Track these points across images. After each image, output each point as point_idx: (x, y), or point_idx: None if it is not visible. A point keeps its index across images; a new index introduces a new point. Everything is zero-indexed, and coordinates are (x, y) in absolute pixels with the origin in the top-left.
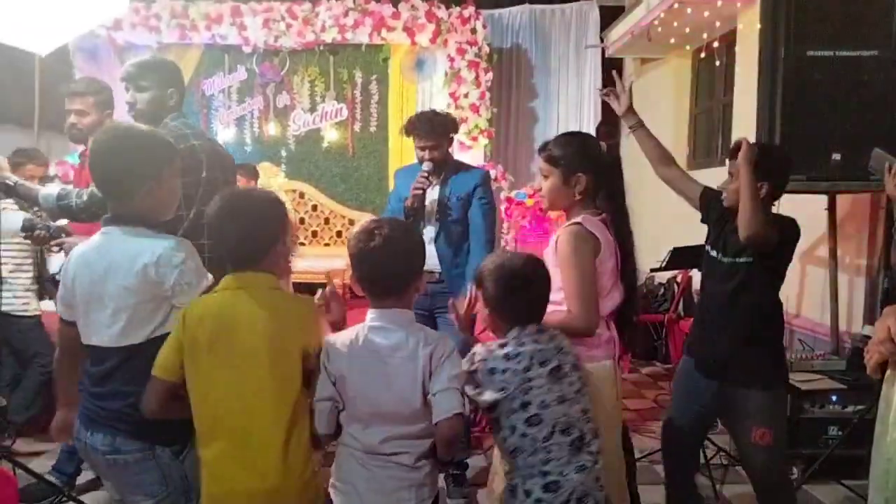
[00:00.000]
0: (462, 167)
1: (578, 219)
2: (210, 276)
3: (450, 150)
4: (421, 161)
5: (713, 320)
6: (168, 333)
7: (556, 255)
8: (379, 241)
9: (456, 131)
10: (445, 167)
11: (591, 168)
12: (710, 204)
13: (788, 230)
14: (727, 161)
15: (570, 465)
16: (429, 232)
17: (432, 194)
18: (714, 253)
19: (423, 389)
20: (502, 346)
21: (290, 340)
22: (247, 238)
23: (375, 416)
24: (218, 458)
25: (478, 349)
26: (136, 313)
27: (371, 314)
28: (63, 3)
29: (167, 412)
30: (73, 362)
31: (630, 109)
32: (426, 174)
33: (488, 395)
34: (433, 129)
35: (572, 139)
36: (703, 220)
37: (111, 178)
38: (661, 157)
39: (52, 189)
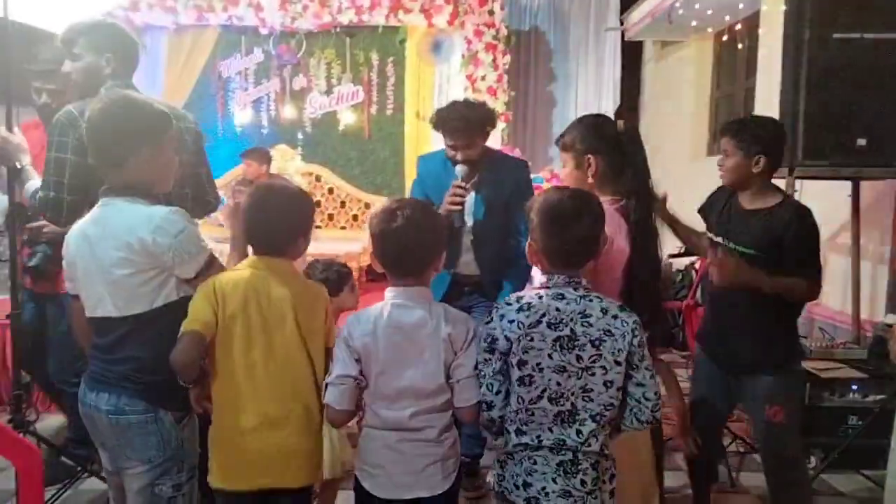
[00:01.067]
0: (497, 159)
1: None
2: (209, 247)
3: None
4: (452, 160)
5: (723, 312)
6: (174, 301)
7: None
8: (401, 220)
9: (494, 125)
10: (479, 168)
11: (603, 149)
12: (708, 206)
13: (799, 221)
14: (721, 138)
15: (550, 434)
16: (466, 238)
17: (468, 198)
18: (718, 238)
19: (445, 366)
20: (519, 298)
21: (315, 319)
22: (276, 229)
23: (402, 391)
24: (244, 420)
25: (498, 301)
26: (136, 282)
27: (391, 292)
28: None
29: (193, 369)
30: (89, 336)
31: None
32: (462, 183)
33: (500, 343)
34: (468, 125)
35: (581, 121)
36: (699, 211)
37: (103, 144)
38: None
39: (35, 183)
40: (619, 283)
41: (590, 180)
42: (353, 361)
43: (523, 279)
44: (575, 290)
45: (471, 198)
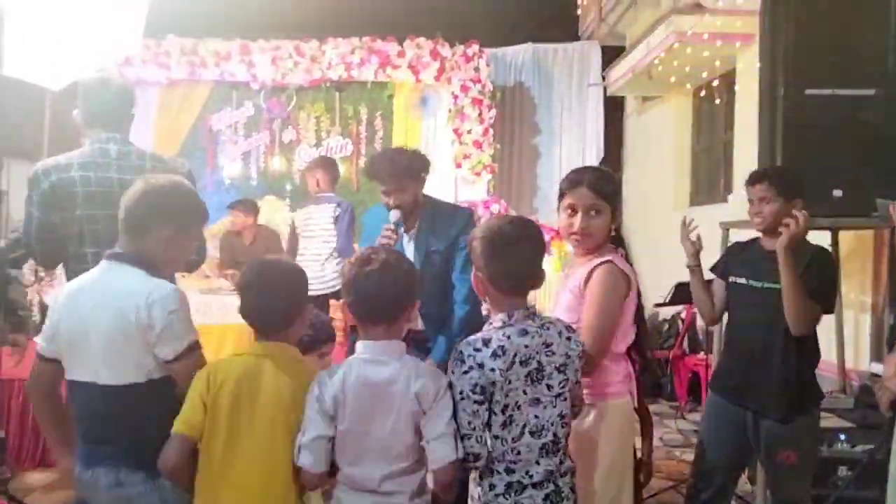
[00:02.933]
0: (439, 209)
1: (609, 257)
2: (197, 335)
3: (420, 192)
4: (386, 207)
5: (751, 351)
6: (164, 377)
7: (584, 288)
8: (375, 265)
9: (426, 171)
10: (418, 213)
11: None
12: (722, 266)
13: (820, 263)
14: (746, 189)
15: (538, 466)
16: None
17: (407, 248)
18: (742, 280)
19: (413, 424)
20: (486, 341)
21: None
22: (278, 307)
23: (366, 451)
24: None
25: (461, 346)
26: (127, 352)
27: (361, 347)
28: (76, 39)
29: (185, 469)
30: (55, 405)
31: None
32: (391, 228)
33: (487, 391)
34: (395, 170)
35: (612, 175)
36: (722, 275)
37: (136, 212)
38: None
39: None
40: (624, 330)
41: (612, 233)
42: (328, 420)
43: (456, 334)
44: (533, 321)
45: (409, 248)
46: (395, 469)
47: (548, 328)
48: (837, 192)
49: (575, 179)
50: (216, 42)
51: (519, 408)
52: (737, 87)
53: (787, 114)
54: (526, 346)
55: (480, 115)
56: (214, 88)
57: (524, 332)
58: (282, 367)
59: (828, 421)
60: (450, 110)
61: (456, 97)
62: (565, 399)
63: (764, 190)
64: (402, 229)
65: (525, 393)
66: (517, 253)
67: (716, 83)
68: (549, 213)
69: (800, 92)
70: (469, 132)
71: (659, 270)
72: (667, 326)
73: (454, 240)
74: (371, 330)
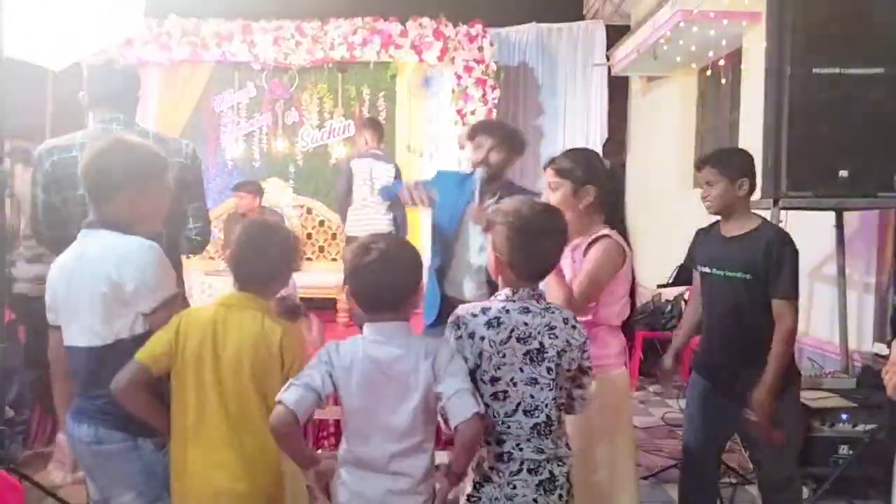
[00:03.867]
0: (516, 190)
1: (606, 231)
2: (176, 290)
3: (510, 167)
4: (475, 164)
5: (720, 338)
6: (141, 333)
7: (581, 259)
8: (375, 255)
9: (522, 153)
10: (500, 185)
11: (597, 182)
12: (692, 254)
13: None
14: (698, 172)
15: (528, 444)
16: (475, 259)
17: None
18: (706, 269)
19: (424, 401)
20: (485, 310)
21: (272, 361)
22: (263, 265)
23: (374, 429)
24: (192, 460)
25: (460, 310)
26: (108, 313)
27: (367, 329)
28: (77, 19)
29: (133, 399)
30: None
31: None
32: (479, 185)
33: (469, 358)
34: (503, 130)
35: (581, 153)
36: (686, 264)
37: (92, 179)
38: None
39: None
40: (620, 304)
41: (580, 207)
42: (328, 381)
43: None
44: (538, 302)
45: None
46: (403, 447)
47: (553, 312)
48: (843, 173)
49: (549, 161)
50: (218, 22)
51: (515, 384)
52: (743, 67)
53: (793, 93)
54: (525, 324)
55: (484, 95)
56: (216, 69)
57: (525, 310)
58: (248, 318)
59: (830, 401)
60: (453, 91)
61: (459, 77)
62: (559, 385)
63: (708, 173)
64: (478, 192)
65: (522, 371)
66: (543, 245)
67: (722, 62)
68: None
69: (807, 71)
70: (472, 112)
71: (662, 251)
72: (669, 307)
73: None
74: (376, 315)
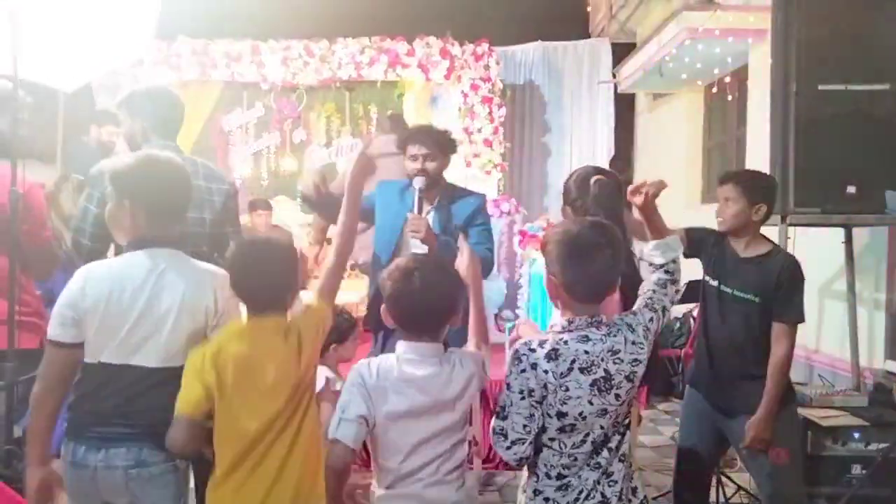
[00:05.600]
0: (456, 190)
1: None
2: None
3: (445, 169)
4: (412, 174)
5: (720, 355)
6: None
7: None
8: (418, 283)
9: (454, 152)
10: (439, 190)
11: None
12: (699, 236)
13: (787, 272)
14: (719, 187)
15: (586, 467)
16: None
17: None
18: (714, 282)
19: (459, 412)
20: (542, 342)
21: (310, 374)
22: (268, 285)
23: (417, 442)
24: (239, 485)
25: (517, 345)
26: (190, 335)
27: (402, 346)
28: (88, 41)
29: (193, 446)
30: (60, 399)
31: None
32: (417, 217)
33: (537, 393)
34: (435, 135)
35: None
36: (687, 255)
37: (170, 197)
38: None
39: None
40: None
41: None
42: (364, 403)
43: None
44: (598, 329)
45: (431, 219)
46: (439, 454)
47: (614, 335)
48: (851, 189)
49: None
50: (227, 43)
51: (584, 418)
52: (749, 84)
53: (799, 109)
54: (587, 353)
55: (490, 113)
56: (225, 89)
57: (585, 339)
58: (272, 344)
59: (842, 419)
60: (459, 109)
61: (466, 96)
62: (627, 404)
63: (729, 190)
64: (419, 199)
65: (591, 403)
66: (596, 261)
67: (728, 79)
68: (559, 211)
69: (813, 87)
70: (479, 131)
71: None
72: (678, 324)
73: (469, 217)
74: (414, 336)
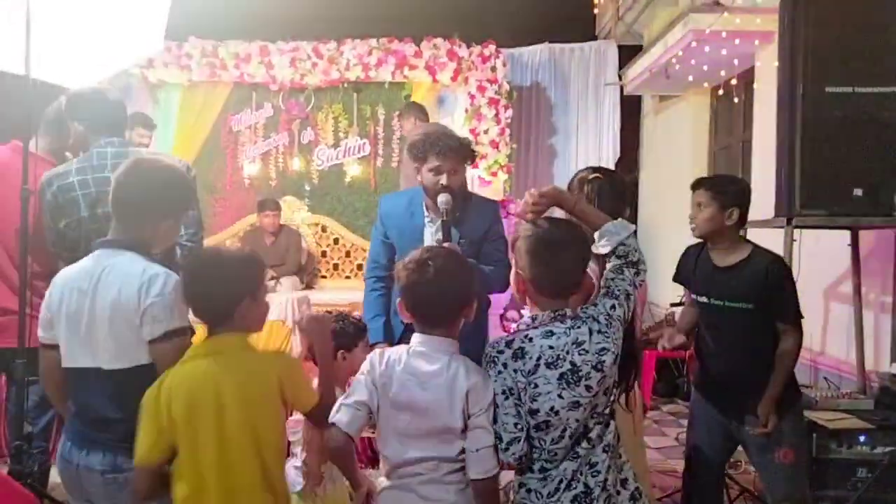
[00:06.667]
0: (471, 199)
1: None
2: (184, 324)
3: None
4: (433, 188)
5: (725, 363)
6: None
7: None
8: (432, 273)
9: (474, 160)
10: (457, 202)
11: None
12: (680, 265)
13: (776, 274)
14: (693, 193)
15: (566, 459)
16: None
17: (436, 234)
18: (704, 299)
19: (462, 416)
20: (509, 342)
21: (269, 403)
22: (214, 297)
23: (414, 436)
24: None
25: (488, 348)
26: (128, 334)
27: (416, 339)
28: (100, 41)
29: (159, 493)
30: (62, 399)
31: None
32: (444, 215)
33: (515, 391)
34: (461, 146)
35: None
36: (675, 279)
37: (124, 200)
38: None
39: None
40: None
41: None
42: (374, 392)
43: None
44: (562, 322)
45: (454, 235)
46: (440, 454)
47: (578, 326)
48: (857, 192)
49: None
50: (236, 44)
51: (557, 413)
52: (756, 86)
53: (806, 112)
54: (551, 348)
55: (497, 115)
56: (234, 90)
57: (549, 334)
58: (230, 363)
59: (847, 422)
60: (466, 110)
61: (472, 97)
62: (604, 394)
63: (700, 196)
64: (445, 215)
65: (561, 397)
66: (563, 258)
67: (734, 82)
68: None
69: (820, 90)
70: (486, 132)
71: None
72: None
73: (489, 227)
74: (428, 329)
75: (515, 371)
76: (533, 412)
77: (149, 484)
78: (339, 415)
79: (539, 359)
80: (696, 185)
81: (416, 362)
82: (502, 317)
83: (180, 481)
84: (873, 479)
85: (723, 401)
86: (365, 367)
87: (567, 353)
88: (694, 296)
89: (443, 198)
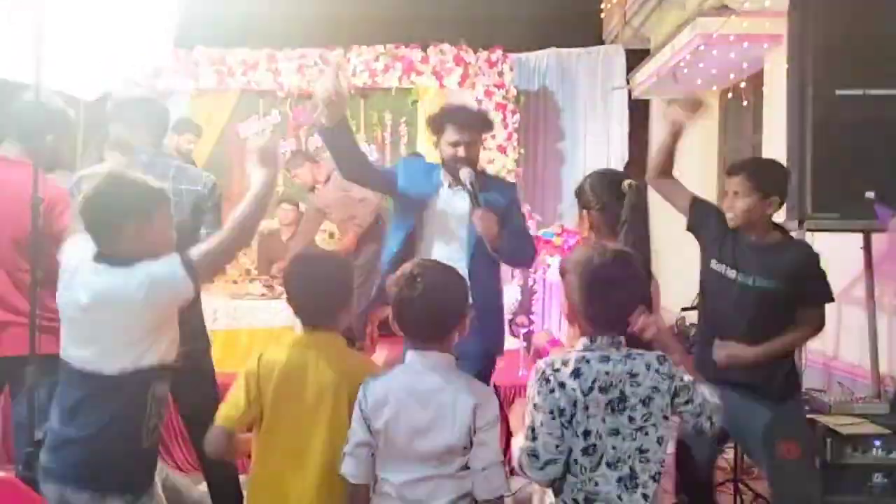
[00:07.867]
0: (490, 181)
1: None
2: (186, 289)
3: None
4: (451, 161)
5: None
6: (144, 369)
7: None
8: (420, 288)
9: (491, 129)
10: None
11: (600, 205)
12: (704, 213)
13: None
14: (728, 179)
15: (620, 501)
16: (453, 253)
17: (458, 207)
18: (722, 268)
19: (468, 434)
20: (565, 361)
21: (351, 406)
22: (318, 298)
23: (413, 457)
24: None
25: (542, 364)
26: (119, 338)
27: (410, 357)
28: (109, 50)
29: (228, 453)
30: None
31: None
32: (471, 188)
33: (567, 411)
34: (475, 118)
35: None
36: (689, 228)
37: (95, 217)
38: (666, 169)
39: None
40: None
41: (584, 234)
42: (365, 427)
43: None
44: (618, 349)
45: (457, 202)
46: (439, 472)
47: (634, 358)
48: (870, 194)
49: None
50: (243, 51)
51: (600, 437)
52: (765, 89)
53: (816, 115)
54: (607, 373)
55: (504, 119)
56: (242, 97)
57: (605, 359)
58: (328, 358)
59: (862, 427)
60: None
61: (480, 102)
62: (647, 433)
63: (739, 183)
64: (472, 186)
65: (604, 422)
66: (617, 296)
67: (743, 85)
68: (573, 217)
69: (830, 92)
70: (493, 137)
71: (686, 274)
72: (693, 331)
73: (506, 210)
74: (421, 345)
75: (574, 389)
76: (586, 433)
77: (222, 444)
78: (345, 466)
79: (595, 381)
80: (736, 170)
81: (414, 381)
82: (511, 322)
83: (255, 453)
84: (889, 484)
85: (722, 385)
86: (359, 397)
87: (620, 381)
88: (715, 265)
89: (465, 171)
